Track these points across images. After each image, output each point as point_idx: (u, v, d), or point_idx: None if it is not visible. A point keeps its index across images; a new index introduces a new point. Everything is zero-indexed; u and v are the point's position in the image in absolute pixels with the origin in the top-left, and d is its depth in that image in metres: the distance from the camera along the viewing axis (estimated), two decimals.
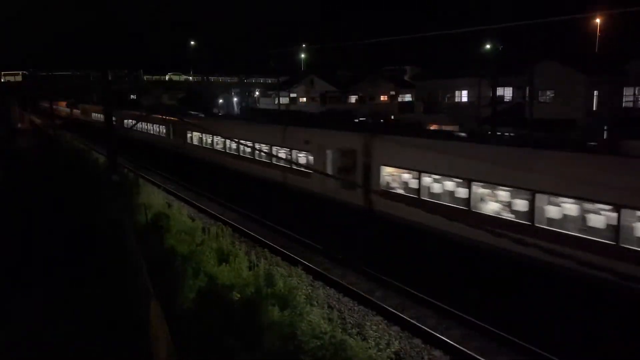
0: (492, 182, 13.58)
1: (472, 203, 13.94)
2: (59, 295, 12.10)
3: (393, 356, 10.69)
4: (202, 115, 39.93)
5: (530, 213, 12.44)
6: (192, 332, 9.42)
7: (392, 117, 53.03)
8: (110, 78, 23.15)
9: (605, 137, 33.19)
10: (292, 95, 66.92)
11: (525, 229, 12.35)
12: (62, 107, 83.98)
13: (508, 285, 12.61)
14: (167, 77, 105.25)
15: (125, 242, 14.03)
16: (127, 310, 10.95)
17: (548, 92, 37.82)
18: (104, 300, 11.50)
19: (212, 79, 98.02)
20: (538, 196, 12.32)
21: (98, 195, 21.36)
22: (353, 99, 65.98)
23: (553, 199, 12.29)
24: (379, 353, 10.14)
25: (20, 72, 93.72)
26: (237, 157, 27.35)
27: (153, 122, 40.79)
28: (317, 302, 12.93)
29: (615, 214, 10.85)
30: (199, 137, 32.19)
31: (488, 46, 41.08)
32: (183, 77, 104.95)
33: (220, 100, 78.76)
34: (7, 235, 16.50)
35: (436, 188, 15.65)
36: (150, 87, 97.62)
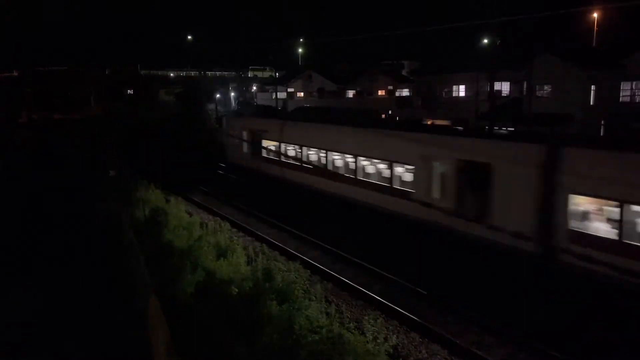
0: None
1: None
2: (52, 289, 12.09)
3: (391, 350, 10.72)
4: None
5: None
6: (190, 327, 9.43)
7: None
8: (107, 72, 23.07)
9: None
10: (290, 90, 66.80)
11: None
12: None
13: None
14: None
15: (122, 237, 14.02)
16: (124, 306, 10.96)
17: (545, 87, 37.81)
18: (100, 296, 11.50)
19: (209, 73, 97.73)
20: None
21: (95, 190, 21.33)
22: (350, 93, 65.88)
23: None
24: (377, 347, 10.18)
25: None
26: None
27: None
28: (315, 296, 12.96)
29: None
30: None
31: (486, 40, 41.04)
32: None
33: (218, 95, 78.49)
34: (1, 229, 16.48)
35: None
36: (148, 82, 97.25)
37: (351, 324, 11.76)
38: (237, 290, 11.60)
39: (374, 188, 18.45)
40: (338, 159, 21.48)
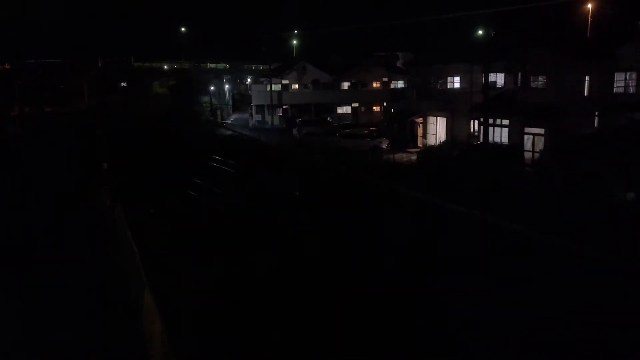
0: None
1: None
2: (49, 283, 12.07)
3: None
4: None
5: None
6: None
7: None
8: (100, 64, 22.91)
9: None
10: (284, 82, 66.56)
11: None
12: None
13: None
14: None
15: (117, 230, 13.97)
16: (120, 299, 10.95)
17: (540, 78, 37.76)
18: (96, 290, 11.49)
19: (203, 65, 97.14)
20: None
21: (88, 183, 21.26)
22: (345, 85, 65.71)
23: None
24: None
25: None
26: None
27: None
28: None
29: None
30: None
31: (480, 31, 40.92)
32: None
33: (212, 88, 78.08)
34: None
35: None
36: (141, 74, 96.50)
37: None
38: None
39: None
40: None
